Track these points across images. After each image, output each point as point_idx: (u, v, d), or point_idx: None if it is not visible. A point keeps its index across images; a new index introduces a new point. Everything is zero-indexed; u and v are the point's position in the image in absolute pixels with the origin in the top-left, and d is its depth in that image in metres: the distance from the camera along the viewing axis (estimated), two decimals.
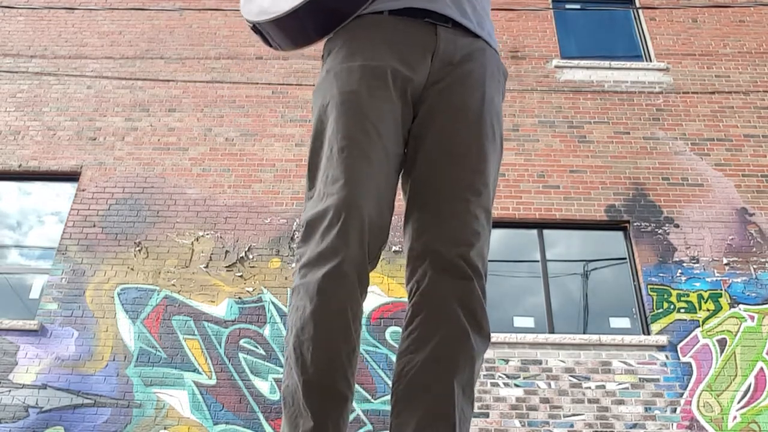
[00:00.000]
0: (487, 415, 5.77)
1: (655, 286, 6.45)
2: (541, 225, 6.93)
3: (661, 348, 6.10)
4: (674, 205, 6.93)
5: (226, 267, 6.50)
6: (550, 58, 8.04)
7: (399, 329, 5.90)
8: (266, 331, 6.18)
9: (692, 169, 7.19)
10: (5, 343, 6.10)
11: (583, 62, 7.98)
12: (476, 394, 5.79)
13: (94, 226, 6.78)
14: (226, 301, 6.31)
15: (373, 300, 6.24)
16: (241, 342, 6.12)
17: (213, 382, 5.92)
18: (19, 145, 7.33)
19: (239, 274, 6.47)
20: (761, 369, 6.01)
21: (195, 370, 5.96)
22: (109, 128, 7.46)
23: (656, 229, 6.78)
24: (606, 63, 7.98)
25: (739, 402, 5.86)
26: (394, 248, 6.44)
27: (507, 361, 6.02)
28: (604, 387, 5.92)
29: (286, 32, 1.34)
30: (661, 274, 6.51)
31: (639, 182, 7.08)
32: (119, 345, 6.09)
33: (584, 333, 6.32)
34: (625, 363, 6.02)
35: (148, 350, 6.05)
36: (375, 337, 6.11)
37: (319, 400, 1.07)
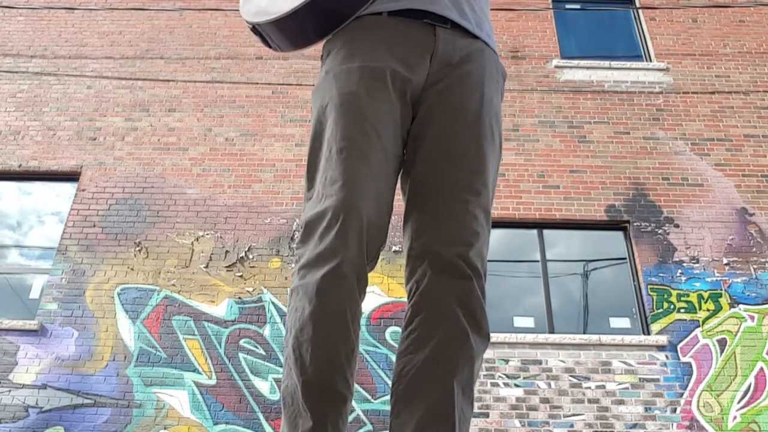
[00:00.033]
0: (487, 415, 5.77)
1: (655, 286, 6.45)
2: (541, 225, 6.93)
3: (661, 348, 6.10)
4: (674, 205, 6.93)
5: (226, 267, 6.51)
6: (550, 58, 8.04)
7: (399, 329, 5.90)
8: (266, 331, 6.18)
9: (692, 169, 7.19)
10: (5, 343, 6.10)
11: (583, 62, 7.98)
12: (476, 394, 5.79)
13: (94, 226, 6.78)
14: (226, 301, 6.32)
15: (373, 300, 6.24)
16: (241, 342, 6.12)
17: (213, 382, 5.92)
18: (19, 145, 7.33)
19: (239, 274, 6.47)
20: (761, 369, 6.01)
21: (195, 370, 5.97)
22: (109, 128, 7.46)
23: (656, 229, 6.78)
24: (606, 63, 7.98)
25: (739, 402, 5.86)
26: (394, 248, 6.44)
27: (507, 361, 6.02)
28: (604, 387, 5.92)
29: (286, 33, 1.34)
30: (661, 274, 6.51)
31: (639, 182, 7.08)
32: (119, 345, 6.09)
33: (584, 333, 6.32)
34: (625, 363, 6.02)
35: (148, 350, 6.05)
36: (375, 337, 6.11)
37: (318, 401, 1.08)
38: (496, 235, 6.79)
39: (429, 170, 1.25)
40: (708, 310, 6.31)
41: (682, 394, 5.89)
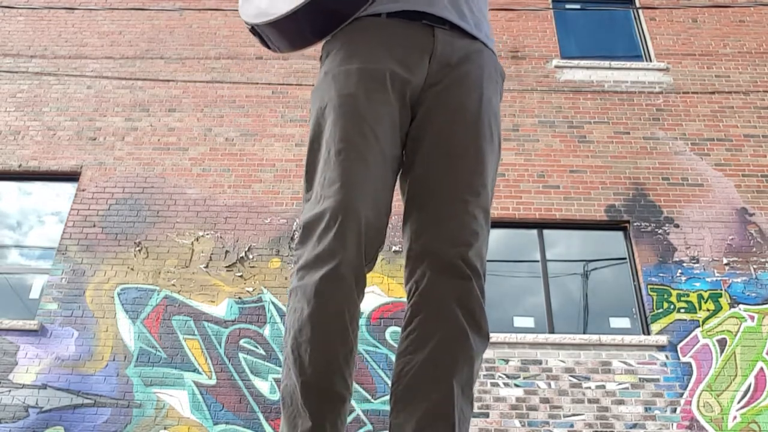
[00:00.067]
0: (487, 415, 5.77)
1: (655, 286, 6.45)
2: (541, 225, 6.93)
3: (661, 348, 6.10)
4: (674, 205, 6.93)
5: (226, 267, 6.51)
6: (550, 58, 8.04)
7: (399, 329, 5.89)
8: (266, 331, 6.18)
9: (692, 169, 7.19)
10: (5, 343, 6.10)
11: (583, 62, 7.98)
12: (476, 394, 5.79)
13: (94, 226, 6.78)
14: (226, 301, 6.32)
15: (373, 300, 6.25)
16: (241, 342, 6.12)
17: (213, 382, 5.92)
18: (19, 145, 7.33)
19: (239, 274, 6.47)
20: (761, 369, 6.01)
21: (195, 370, 5.97)
22: (109, 128, 7.46)
23: (656, 229, 6.78)
24: (606, 63, 7.98)
25: (739, 402, 5.86)
26: (394, 248, 6.44)
27: (507, 361, 6.02)
28: (604, 387, 5.92)
29: (285, 34, 1.34)
30: (661, 274, 6.51)
31: (639, 182, 7.08)
32: (119, 345, 6.09)
33: (584, 333, 6.32)
34: (625, 363, 6.02)
35: (148, 350, 6.05)
36: (375, 337, 6.11)
37: (317, 401, 1.08)
38: (496, 235, 6.79)
39: (428, 171, 1.25)
40: (708, 310, 6.31)
41: (682, 394, 5.89)
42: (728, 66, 8.01)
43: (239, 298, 6.34)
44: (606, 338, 6.11)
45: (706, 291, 6.42)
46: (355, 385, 5.86)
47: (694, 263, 6.58)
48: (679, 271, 6.53)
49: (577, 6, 8.93)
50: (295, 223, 6.74)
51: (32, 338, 6.11)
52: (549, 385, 5.92)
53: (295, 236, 6.59)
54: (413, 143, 1.29)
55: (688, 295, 6.39)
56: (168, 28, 8.29)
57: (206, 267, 6.51)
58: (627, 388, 5.91)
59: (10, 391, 5.87)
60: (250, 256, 6.57)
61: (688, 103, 7.68)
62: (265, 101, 7.64)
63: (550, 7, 8.63)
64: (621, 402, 5.85)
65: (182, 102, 7.65)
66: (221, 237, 6.68)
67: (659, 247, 6.68)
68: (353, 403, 5.81)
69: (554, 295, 6.55)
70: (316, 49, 1.42)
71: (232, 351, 6.07)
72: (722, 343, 6.15)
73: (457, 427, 1.09)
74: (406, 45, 1.30)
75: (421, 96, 1.29)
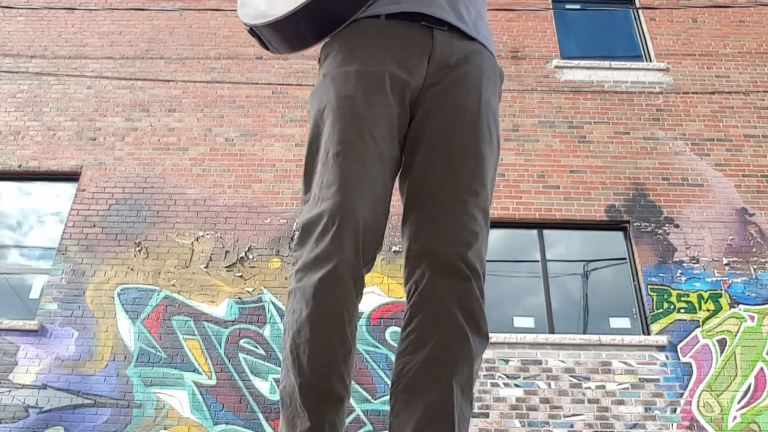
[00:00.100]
0: (487, 415, 5.77)
1: (655, 286, 6.45)
2: (541, 225, 6.93)
3: (661, 348, 6.10)
4: (674, 205, 6.93)
5: (226, 267, 6.51)
6: (550, 58, 8.04)
7: (399, 329, 5.89)
8: (266, 331, 6.18)
9: (692, 169, 7.19)
10: (5, 343, 6.10)
11: (583, 62, 7.98)
12: (476, 394, 5.79)
13: (94, 226, 6.78)
14: (226, 301, 6.32)
15: (373, 300, 6.25)
16: (241, 342, 6.12)
17: (213, 382, 5.92)
18: (19, 145, 7.33)
19: (239, 274, 6.47)
20: (761, 369, 6.01)
21: (195, 370, 5.97)
22: (109, 128, 7.46)
23: (656, 229, 6.78)
24: (606, 63, 7.98)
25: (739, 402, 5.86)
26: (394, 248, 6.45)
27: (507, 361, 6.02)
28: (604, 387, 5.92)
29: (283, 36, 1.34)
30: (661, 274, 6.51)
31: (639, 182, 7.08)
32: (119, 345, 6.09)
33: (584, 333, 6.32)
34: (625, 363, 6.02)
35: (148, 350, 6.06)
36: (375, 337, 6.11)
37: (315, 401, 1.09)
38: (496, 235, 6.79)
39: (427, 171, 1.25)
40: (708, 310, 6.31)
41: (682, 395, 5.89)
42: (728, 66, 8.01)
43: (239, 298, 6.34)
44: (606, 338, 6.11)
45: (706, 291, 6.42)
46: (355, 385, 5.86)
47: (694, 263, 6.58)
48: (679, 271, 6.53)
49: (577, 6, 8.93)
50: (295, 223, 6.74)
51: (32, 338, 6.11)
52: (549, 385, 5.92)
53: (295, 236, 6.59)
54: (412, 144, 1.29)
55: (688, 295, 6.39)
56: (168, 28, 8.29)
57: (206, 267, 6.51)
58: (627, 389, 5.91)
59: (10, 391, 5.87)
60: (250, 256, 6.57)
61: (688, 103, 7.68)
62: (265, 101, 7.64)
63: (550, 7, 8.63)
64: (621, 402, 5.85)
65: (182, 102, 7.65)
66: (221, 237, 6.68)
67: (659, 247, 6.68)
68: (353, 403, 5.81)
69: (554, 295, 6.55)
70: (316, 49, 1.42)
71: (232, 351, 6.07)
72: (722, 344, 6.15)
73: (456, 427, 1.09)
74: (405, 46, 1.30)
75: (420, 97, 1.30)
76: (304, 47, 1.37)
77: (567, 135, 7.42)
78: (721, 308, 6.32)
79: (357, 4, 1.28)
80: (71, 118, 7.53)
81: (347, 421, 5.67)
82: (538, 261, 6.76)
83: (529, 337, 6.12)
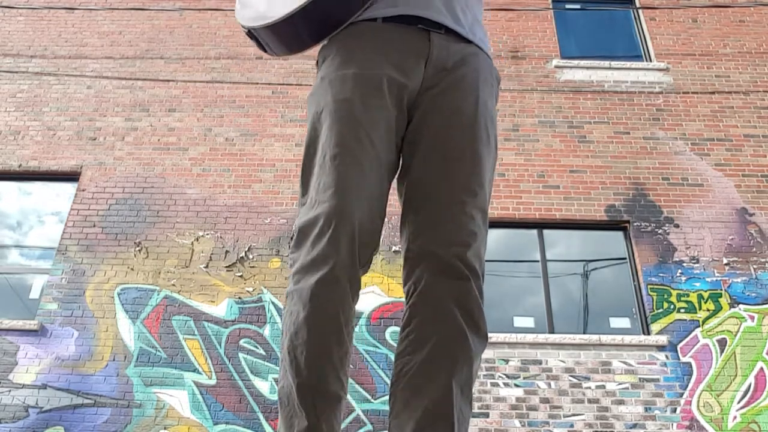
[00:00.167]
0: (487, 415, 5.77)
1: (655, 286, 6.45)
2: (541, 225, 6.93)
3: (661, 348, 6.10)
4: (674, 205, 6.93)
5: (226, 267, 6.51)
6: (550, 58, 8.04)
7: (399, 329, 5.89)
8: (266, 331, 6.18)
9: (692, 169, 7.19)
10: (5, 343, 6.10)
11: (583, 62, 7.98)
12: (476, 394, 5.79)
13: (94, 226, 6.78)
14: (226, 301, 6.32)
15: (373, 300, 6.25)
16: (241, 342, 6.12)
17: (213, 382, 5.92)
18: (19, 145, 7.33)
19: (239, 274, 6.47)
20: (761, 369, 6.01)
21: (195, 370, 5.97)
22: (109, 128, 7.46)
23: (656, 229, 6.78)
24: (606, 63, 7.98)
25: (739, 402, 5.86)
26: (393, 248, 6.45)
27: (507, 361, 6.02)
28: (604, 387, 5.92)
29: (281, 38, 1.35)
30: (661, 274, 6.51)
31: (639, 182, 7.08)
32: (119, 345, 6.09)
33: (584, 333, 6.32)
34: (625, 363, 6.02)
35: (148, 350, 6.06)
36: (375, 337, 6.11)
37: (312, 401, 1.09)
38: (496, 235, 6.79)
39: (425, 173, 1.26)
40: (708, 310, 6.31)
41: (682, 394, 5.89)
42: (728, 66, 8.01)
43: (239, 298, 6.34)
44: (606, 338, 6.11)
45: (706, 291, 6.42)
46: (355, 385, 5.86)
47: (694, 263, 6.58)
48: (679, 271, 6.53)
49: (577, 6, 8.93)
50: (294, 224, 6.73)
51: (32, 338, 6.11)
52: (549, 385, 5.92)
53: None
54: (410, 147, 1.29)
55: (688, 295, 6.39)
56: (168, 28, 8.29)
57: (206, 267, 6.51)
58: (627, 388, 5.91)
59: (10, 391, 5.87)
60: (250, 256, 6.57)
61: (688, 103, 7.68)
62: (265, 101, 7.64)
63: (550, 7, 8.63)
64: (621, 402, 5.85)
65: (182, 102, 7.65)
66: (221, 237, 6.68)
67: (659, 247, 6.68)
68: (353, 403, 5.81)
69: (554, 295, 6.55)
70: (316, 49, 1.43)
71: (232, 351, 6.07)
72: (722, 343, 6.15)
73: (456, 427, 1.10)
74: (402, 49, 1.31)
75: (417, 100, 1.30)
76: (301, 49, 1.38)
77: (567, 135, 7.42)
78: (721, 308, 6.32)
79: (354, 7, 1.29)
80: (71, 118, 7.53)
81: (347, 421, 5.68)
82: (538, 261, 6.76)
83: (529, 337, 6.12)
